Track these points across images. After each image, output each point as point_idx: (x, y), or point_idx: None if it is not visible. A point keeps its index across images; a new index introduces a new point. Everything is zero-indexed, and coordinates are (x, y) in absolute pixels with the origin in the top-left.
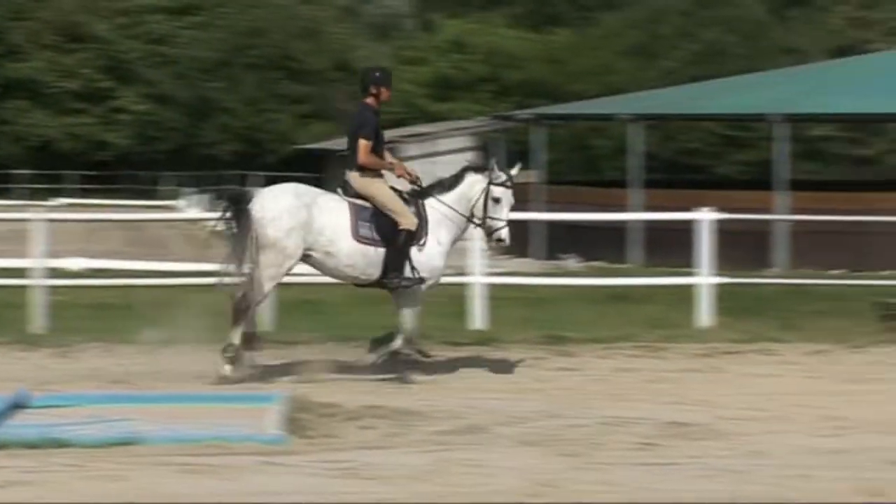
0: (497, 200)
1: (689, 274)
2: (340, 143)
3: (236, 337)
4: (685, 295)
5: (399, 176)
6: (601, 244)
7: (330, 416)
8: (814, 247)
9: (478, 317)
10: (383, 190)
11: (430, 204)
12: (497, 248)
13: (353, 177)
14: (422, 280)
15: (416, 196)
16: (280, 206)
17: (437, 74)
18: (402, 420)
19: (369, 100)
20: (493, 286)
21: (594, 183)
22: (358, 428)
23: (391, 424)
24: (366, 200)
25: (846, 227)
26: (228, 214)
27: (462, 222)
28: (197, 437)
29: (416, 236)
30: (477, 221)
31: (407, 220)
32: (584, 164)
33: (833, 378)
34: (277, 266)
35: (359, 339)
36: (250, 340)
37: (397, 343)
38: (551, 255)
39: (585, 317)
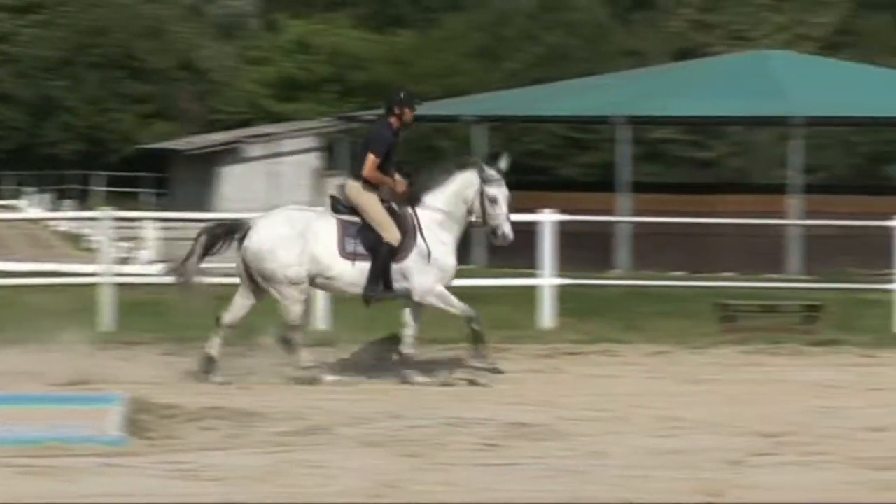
0: (493, 200)
1: (532, 275)
2: (184, 143)
3: (307, 361)
4: (528, 296)
5: (401, 193)
6: None
7: (170, 418)
8: (655, 248)
9: (321, 317)
10: (372, 202)
11: (425, 206)
12: (502, 244)
13: (350, 185)
14: (394, 294)
15: (409, 203)
16: (275, 239)
17: (282, 75)
18: (243, 421)
19: (392, 119)
20: None
21: None
22: (199, 429)
23: (232, 426)
24: (354, 212)
25: (687, 229)
26: (221, 244)
27: (461, 219)
28: (36, 439)
29: (398, 251)
30: (477, 222)
31: (391, 234)
32: (428, 166)
33: (673, 379)
34: (294, 291)
35: (198, 340)
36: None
37: (406, 345)
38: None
39: (429, 317)
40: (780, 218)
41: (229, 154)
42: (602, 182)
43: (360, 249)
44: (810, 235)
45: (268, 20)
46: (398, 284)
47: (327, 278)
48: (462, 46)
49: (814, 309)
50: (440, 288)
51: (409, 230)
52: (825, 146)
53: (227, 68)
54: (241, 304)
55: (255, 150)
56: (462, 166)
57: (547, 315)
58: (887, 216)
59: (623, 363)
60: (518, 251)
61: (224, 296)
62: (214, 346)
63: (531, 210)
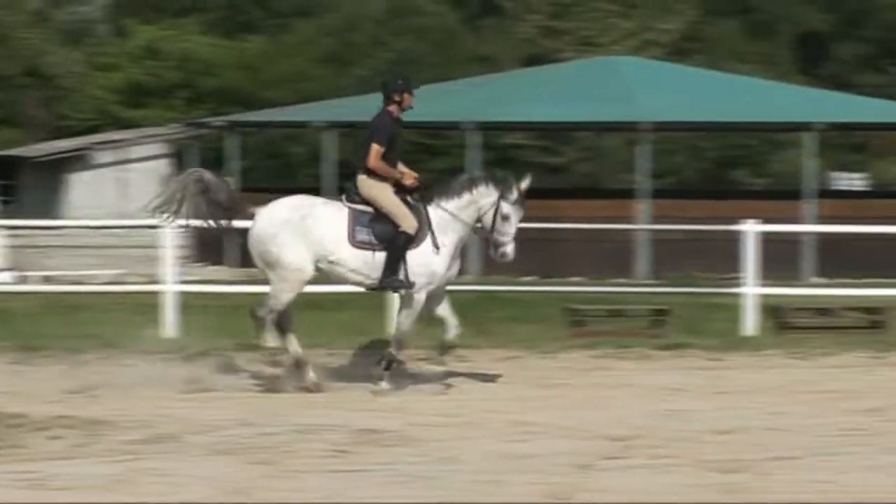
0: (506, 217)
1: None
2: (31, 150)
3: (271, 339)
4: (379, 302)
5: (408, 184)
6: None
7: (17, 427)
8: None
9: (169, 325)
10: (386, 193)
11: (435, 208)
12: (500, 260)
13: (361, 179)
14: (411, 284)
15: (421, 200)
16: (277, 222)
17: (130, 81)
18: (91, 430)
19: (391, 107)
20: (186, 294)
21: (289, 190)
22: (46, 438)
23: (80, 434)
24: (368, 204)
25: (537, 234)
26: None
27: (466, 225)
28: None
29: (415, 239)
30: (483, 233)
31: (407, 223)
32: (279, 172)
33: (524, 383)
34: (291, 281)
35: (47, 349)
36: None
37: (391, 348)
38: (246, 263)
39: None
40: (629, 223)
41: (77, 161)
42: None
43: (373, 239)
44: (658, 240)
45: (116, 26)
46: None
47: (330, 262)
48: (312, 52)
49: (661, 313)
50: (422, 295)
51: (421, 223)
52: (673, 151)
53: (75, 74)
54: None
55: (103, 156)
56: (487, 179)
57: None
58: (734, 220)
59: (474, 368)
60: None
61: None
62: (273, 340)
63: None
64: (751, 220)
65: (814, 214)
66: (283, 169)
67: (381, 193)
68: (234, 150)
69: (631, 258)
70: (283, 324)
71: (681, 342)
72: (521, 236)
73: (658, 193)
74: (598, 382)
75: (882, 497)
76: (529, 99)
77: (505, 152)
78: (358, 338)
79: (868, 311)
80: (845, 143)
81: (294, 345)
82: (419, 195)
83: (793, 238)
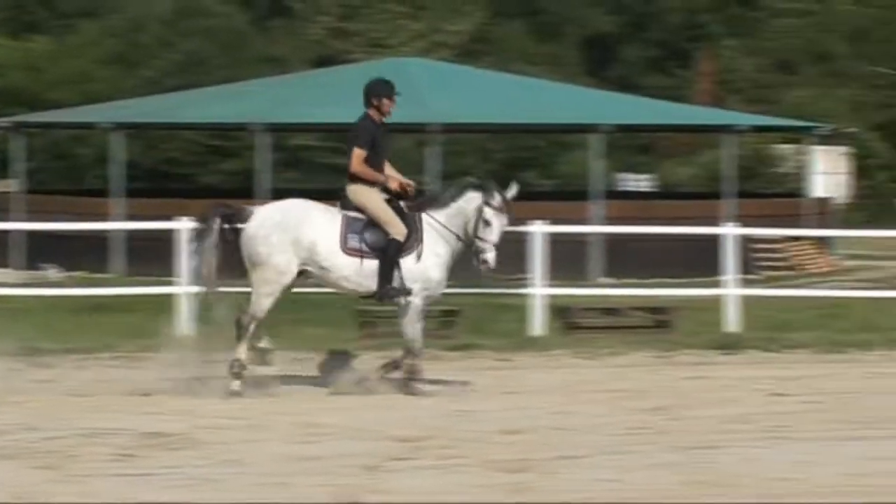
0: (487, 223)
1: (169, 283)
2: None
3: (242, 353)
4: (165, 304)
5: (394, 189)
6: (83, 254)
7: None
8: None
9: None
10: (374, 200)
11: (428, 216)
12: (483, 269)
13: (350, 187)
14: (409, 291)
15: (413, 209)
16: (269, 224)
17: None
18: None
19: (371, 111)
20: None
21: (76, 192)
22: None
23: None
24: (362, 211)
25: None
26: (217, 229)
27: (458, 234)
28: None
29: (406, 247)
30: (467, 240)
31: (397, 229)
32: (65, 173)
33: (312, 385)
34: (272, 283)
35: None
36: (262, 355)
37: (399, 356)
38: (31, 264)
39: (64, 327)
40: None
41: None
42: (242, 189)
43: (364, 247)
44: None
45: None
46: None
47: (321, 268)
48: (97, 53)
49: (450, 314)
50: (419, 301)
51: (413, 231)
52: (462, 153)
53: None
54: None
55: None
56: (472, 186)
57: (184, 323)
58: (522, 221)
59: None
60: (156, 259)
61: None
62: (261, 341)
63: (170, 218)
64: (538, 221)
65: (601, 215)
66: (71, 170)
67: (370, 200)
68: (18, 151)
69: None
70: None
71: (470, 343)
72: None
73: None
74: (388, 385)
75: (666, 495)
76: (319, 100)
77: (295, 154)
78: (143, 341)
79: (654, 310)
80: (632, 144)
81: (243, 352)
82: (412, 204)
83: (580, 239)
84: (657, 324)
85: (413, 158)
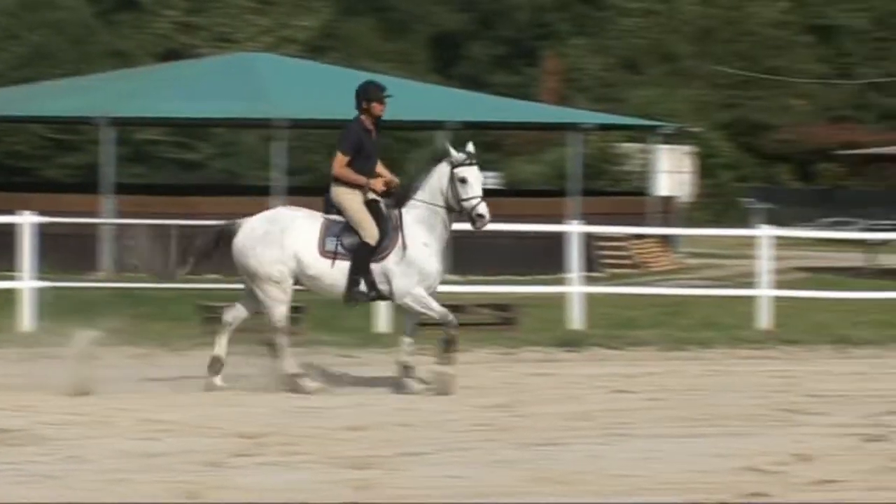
0: (464, 181)
1: (11, 278)
2: None
3: (290, 367)
4: (7, 299)
5: (380, 190)
6: None
7: None
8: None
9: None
10: (353, 202)
11: (410, 207)
12: (482, 226)
13: (332, 189)
14: (379, 296)
15: (392, 206)
16: (255, 236)
17: None
18: None
19: (363, 115)
20: None
21: None
22: None
23: None
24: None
25: (170, 231)
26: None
27: (444, 214)
28: None
29: (380, 250)
30: (455, 208)
31: (368, 233)
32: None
33: (156, 381)
34: (275, 290)
35: None
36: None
37: (404, 353)
38: None
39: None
40: None
41: None
42: (86, 184)
43: (340, 249)
44: None
45: None
46: (382, 286)
47: (308, 277)
48: None
49: (296, 310)
50: (419, 290)
51: (390, 230)
52: (309, 148)
53: None
54: (244, 304)
55: None
56: (434, 160)
57: (27, 318)
58: None
59: (103, 366)
60: None
61: None
62: (221, 347)
63: (11, 212)
64: None
65: None
66: None
67: (348, 202)
68: None
69: None
70: (228, 319)
71: (315, 339)
72: (153, 233)
73: (293, 190)
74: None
75: (509, 491)
76: (165, 95)
77: (140, 148)
78: None
79: (499, 308)
80: (479, 141)
81: (221, 345)
82: (393, 200)
83: None
84: (502, 321)
85: (260, 154)
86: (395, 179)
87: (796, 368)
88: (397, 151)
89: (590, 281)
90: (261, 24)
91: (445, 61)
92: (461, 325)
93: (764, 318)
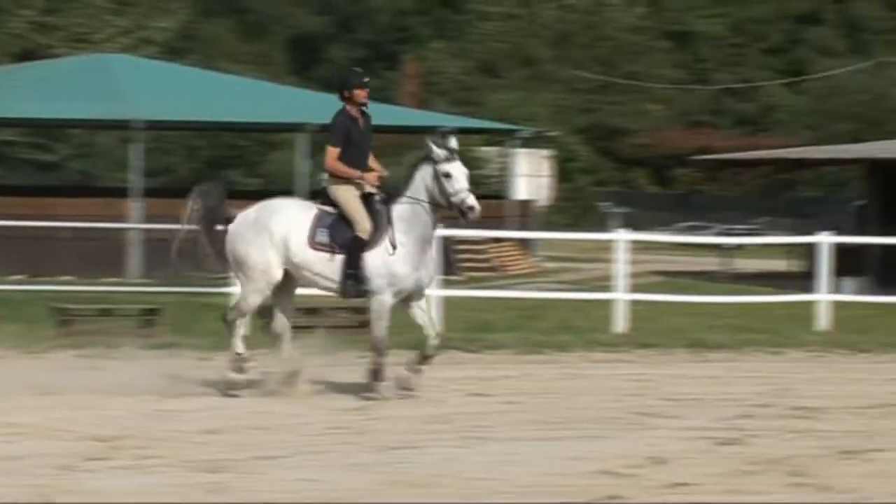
0: (448, 175)
1: None
2: None
3: (238, 347)
4: None
5: (373, 183)
6: None
7: None
8: None
9: None
10: (347, 195)
11: (399, 202)
12: (473, 218)
13: (329, 182)
14: (369, 291)
15: (385, 202)
16: (247, 222)
17: None
18: None
19: (348, 106)
20: None
21: None
22: None
23: None
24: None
25: (26, 233)
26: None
27: (428, 211)
28: None
29: (371, 243)
30: (444, 204)
31: (360, 227)
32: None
33: (9, 384)
34: (257, 281)
35: None
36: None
37: (373, 356)
38: None
39: None
40: (122, 221)
41: None
42: None
43: (331, 241)
44: (151, 239)
45: None
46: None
47: (294, 265)
48: None
49: (151, 312)
50: (389, 294)
51: (380, 226)
52: (167, 150)
53: None
54: (279, 310)
55: None
56: (421, 159)
57: None
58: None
59: None
60: None
61: None
62: (287, 353)
63: None
64: None
65: None
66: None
67: (343, 195)
68: None
69: (123, 257)
70: (277, 329)
71: (171, 341)
72: (9, 234)
73: (151, 192)
74: (86, 383)
75: (364, 495)
76: (21, 95)
77: None
78: None
79: (356, 311)
80: None
81: (287, 351)
82: (383, 195)
83: None
84: (359, 324)
85: (117, 155)
86: (385, 173)
87: (651, 372)
88: (256, 154)
89: (448, 284)
90: (119, 25)
91: (304, 64)
92: (317, 327)
93: (620, 322)
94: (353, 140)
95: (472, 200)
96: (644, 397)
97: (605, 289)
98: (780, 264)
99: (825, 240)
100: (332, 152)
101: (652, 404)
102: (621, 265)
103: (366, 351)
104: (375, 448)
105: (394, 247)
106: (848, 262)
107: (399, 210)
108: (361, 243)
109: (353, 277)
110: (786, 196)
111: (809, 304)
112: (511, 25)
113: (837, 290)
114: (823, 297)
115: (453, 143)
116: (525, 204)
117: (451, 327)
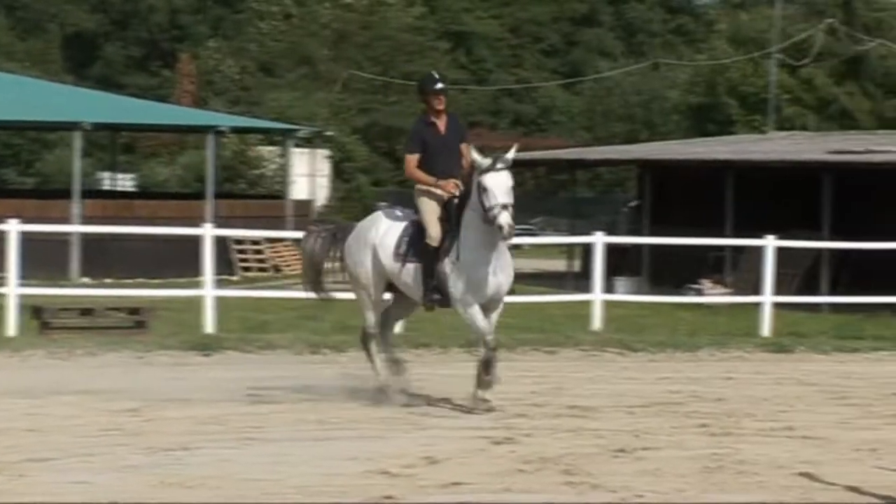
0: (484, 189)
1: None
2: None
3: (378, 370)
4: None
5: (449, 191)
6: None
7: None
8: None
9: None
10: (425, 203)
11: (467, 211)
12: (506, 236)
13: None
14: (446, 299)
15: (459, 209)
16: (353, 236)
17: None
18: None
19: (427, 112)
20: None
21: None
22: None
23: None
24: None
25: None
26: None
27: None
28: None
29: (439, 253)
30: (486, 219)
31: (430, 234)
32: None
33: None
34: (365, 295)
35: None
36: (395, 364)
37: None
38: None
39: None
40: None
41: None
42: None
43: (408, 251)
44: None
45: None
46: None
47: (389, 277)
48: None
49: None
50: (468, 298)
51: (451, 234)
52: None
53: None
54: (393, 309)
55: None
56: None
57: None
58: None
59: None
60: None
61: None
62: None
63: None
64: (14, 220)
65: (80, 214)
66: None
67: (421, 203)
68: None
69: None
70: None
71: None
72: None
73: None
74: None
75: (136, 496)
76: None
77: None
78: None
79: (132, 311)
80: (114, 143)
81: (376, 368)
82: (459, 202)
83: (60, 238)
84: (135, 324)
85: None
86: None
87: (427, 371)
88: (31, 152)
89: (224, 284)
90: None
91: (80, 62)
92: (94, 328)
93: (398, 322)
94: (431, 146)
95: (503, 219)
96: (419, 397)
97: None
98: (556, 264)
99: (599, 240)
100: (409, 160)
101: (428, 404)
102: None
103: (138, 352)
104: (148, 450)
105: (458, 255)
106: (622, 262)
107: (467, 217)
108: (431, 251)
109: (432, 287)
110: (562, 196)
111: (584, 303)
112: (288, 24)
113: (611, 289)
114: (598, 296)
115: (508, 154)
116: (303, 204)
117: (227, 327)
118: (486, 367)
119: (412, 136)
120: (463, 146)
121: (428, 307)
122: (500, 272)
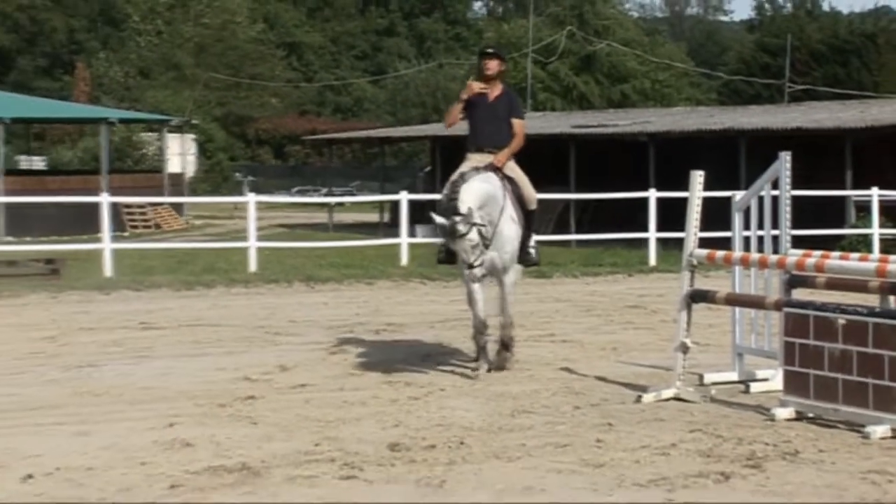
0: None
1: None
2: None
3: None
4: None
5: (470, 90)
6: None
7: None
8: None
9: None
10: (518, 171)
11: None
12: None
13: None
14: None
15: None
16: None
17: None
18: None
19: (480, 77)
20: None
21: None
22: None
23: None
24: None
25: None
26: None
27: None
28: None
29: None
30: None
31: (534, 200)
32: None
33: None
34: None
35: None
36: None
37: (506, 332)
38: None
39: None
40: None
41: None
42: None
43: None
44: None
45: None
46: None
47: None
48: None
49: None
50: (519, 267)
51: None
52: None
53: None
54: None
55: None
56: None
57: None
58: None
59: None
60: None
61: None
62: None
63: None
64: None
65: (3, 189)
66: None
67: (514, 170)
68: None
69: None
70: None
71: None
72: None
73: None
74: None
75: (58, 402)
76: None
77: None
78: None
79: (47, 261)
80: (29, 133)
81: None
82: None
83: None
84: (50, 272)
85: None
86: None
87: (277, 301)
88: None
89: (118, 239)
90: None
91: None
92: (17, 275)
93: (252, 264)
94: (478, 112)
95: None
96: (272, 320)
97: (241, 239)
98: (370, 217)
99: (404, 197)
100: (450, 108)
101: (278, 326)
102: (252, 221)
103: (53, 293)
104: (64, 367)
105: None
106: (419, 214)
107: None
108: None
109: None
110: (374, 165)
111: (393, 246)
112: (160, 39)
113: (414, 235)
114: (404, 240)
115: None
116: (176, 176)
117: (122, 272)
118: (506, 346)
119: (466, 104)
120: (515, 121)
121: (532, 263)
122: (492, 250)
